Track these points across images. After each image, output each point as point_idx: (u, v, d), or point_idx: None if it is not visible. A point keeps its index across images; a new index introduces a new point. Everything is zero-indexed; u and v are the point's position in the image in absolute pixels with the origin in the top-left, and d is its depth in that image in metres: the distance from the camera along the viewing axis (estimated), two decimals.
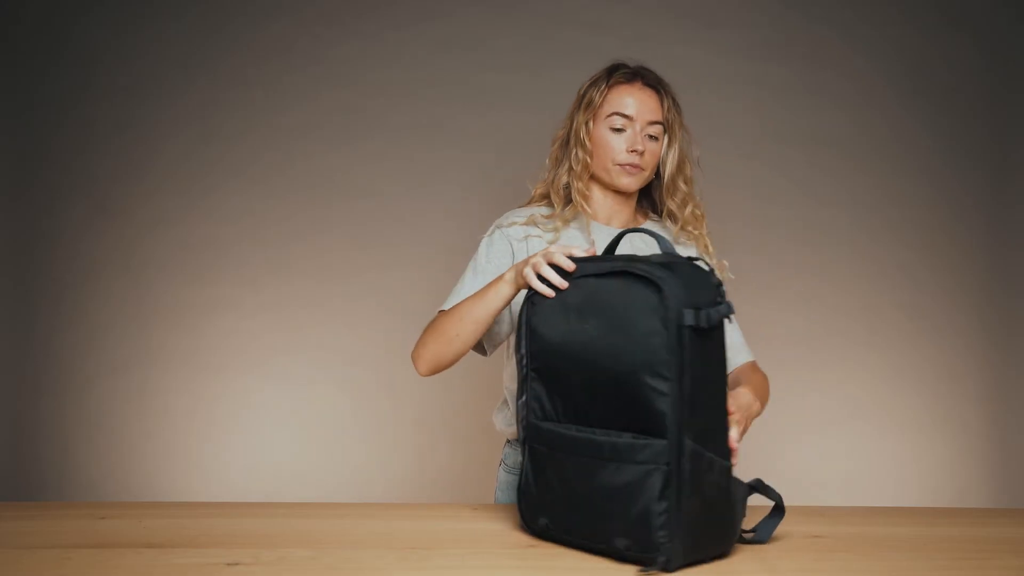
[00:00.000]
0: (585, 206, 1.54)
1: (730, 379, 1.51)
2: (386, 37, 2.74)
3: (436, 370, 1.48)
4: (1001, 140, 2.77)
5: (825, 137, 2.76)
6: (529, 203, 1.63)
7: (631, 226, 1.57)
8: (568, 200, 1.58)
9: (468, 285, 1.52)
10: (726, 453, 1.13)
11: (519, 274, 1.31)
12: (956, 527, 1.37)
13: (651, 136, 1.51)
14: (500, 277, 1.38)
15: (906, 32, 2.76)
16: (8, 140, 2.73)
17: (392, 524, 1.34)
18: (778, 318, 2.69)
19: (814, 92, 2.76)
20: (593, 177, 1.56)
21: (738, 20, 2.76)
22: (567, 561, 1.14)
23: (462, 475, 2.65)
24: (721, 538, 1.14)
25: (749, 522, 1.22)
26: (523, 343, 1.23)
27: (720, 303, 1.11)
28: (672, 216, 1.60)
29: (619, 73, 1.53)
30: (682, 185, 1.56)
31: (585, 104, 1.53)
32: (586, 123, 1.52)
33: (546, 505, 1.21)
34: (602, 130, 1.51)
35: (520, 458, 1.57)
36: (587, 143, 1.52)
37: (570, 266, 1.20)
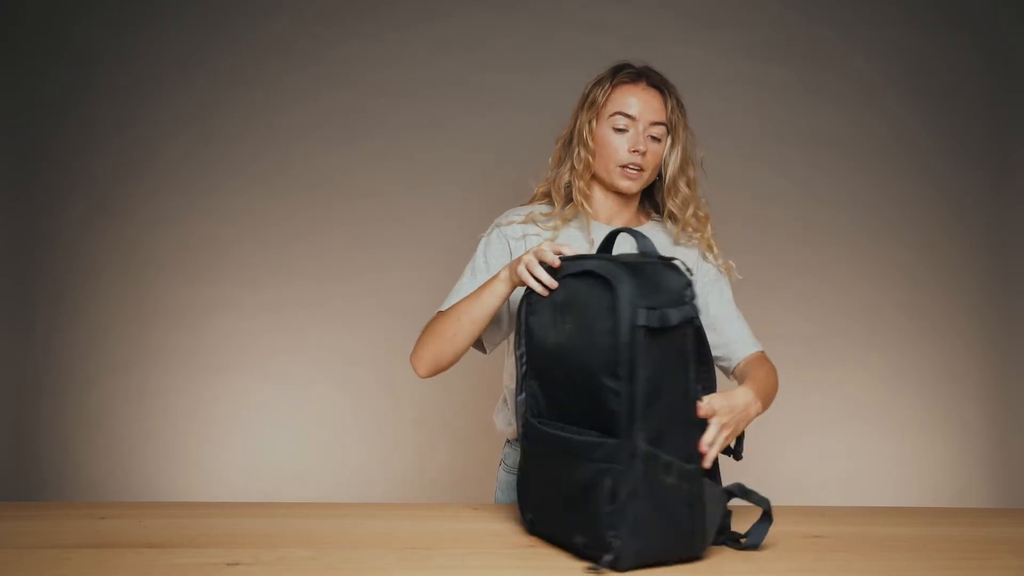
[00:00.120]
0: (586, 205, 1.54)
1: (737, 371, 1.51)
2: (386, 37, 2.74)
3: (436, 371, 1.49)
4: (1001, 140, 2.77)
5: (825, 137, 2.76)
6: (531, 201, 1.63)
7: (632, 227, 1.57)
8: (569, 199, 1.58)
9: (466, 285, 1.52)
10: (689, 455, 1.11)
11: (513, 272, 1.33)
12: (956, 527, 1.37)
13: (654, 137, 1.51)
14: (496, 276, 1.40)
15: (906, 32, 2.76)
16: (8, 140, 2.73)
17: (392, 524, 1.34)
18: (778, 318, 2.69)
19: (814, 92, 2.76)
20: (595, 177, 1.56)
21: (738, 20, 2.76)
22: (567, 561, 1.14)
23: (462, 475, 2.65)
24: (684, 542, 1.11)
25: (742, 526, 1.22)
26: (521, 341, 1.26)
27: (684, 304, 1.11)
28: (673, 217, 1.59)
29: (623, 73, 1.52)
30: (683, 187, 1.55)
31: (589, 103, 1.53)
32: (589, 122, 1.52)
33: (532, 501, 1.24)
34: (605, 129, 1.51)
35: (519, 457, 1.58)
36: (589, 142, 1.52)
37: (555, 261, 1.22)
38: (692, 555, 1.13)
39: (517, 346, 1.27)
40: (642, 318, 1.07)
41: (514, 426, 1.57)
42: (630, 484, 1.07)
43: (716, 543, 1.20)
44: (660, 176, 1.58)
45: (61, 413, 2.72)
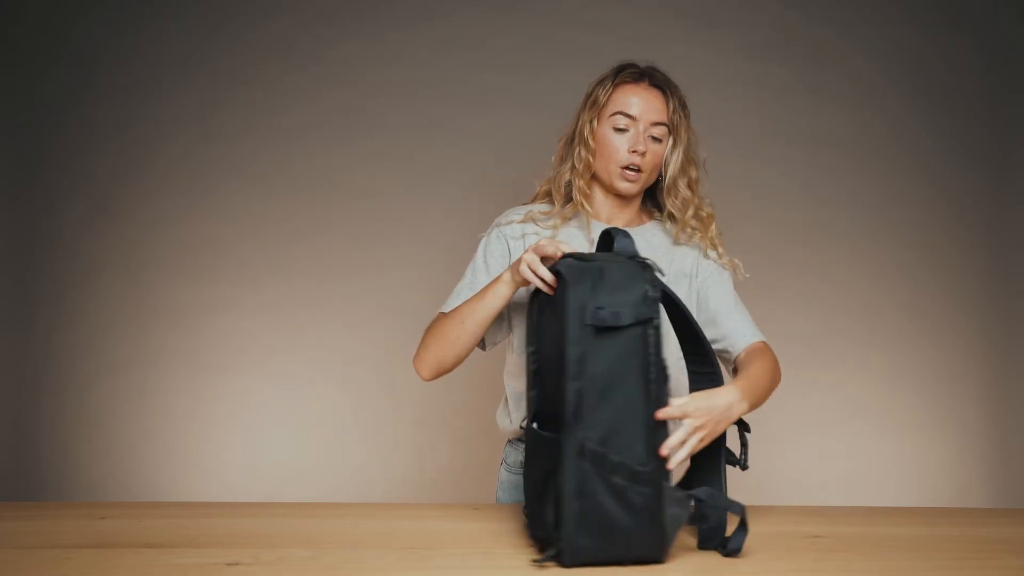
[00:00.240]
0: (585, 205, 1.54)
1: (737, 364, 1.50)
2: (386, 37, 2.74)
3: (440, 374, 1.49)
4: (1001, 140, 2.77)
5: (825, 137, 2.76)
6: (534, 200, 1.63)
7: (633, 226, 1.57)
8: (569, 198, 1.57)
9: (467, 286, 1.53)
10: (643, 457, 1.10)
11: (515, 271, 1.34)
12: (956, 527, 1.37)
13: (654, 137, 1.50)
14: (498, 277, 1.40)
15: (906, 32, 2.76)
16: (8, 140, 2.73)
17: (392, 524, 1.34)
18: (778, 318, 2.68)
19: (814, 92, 2.76)
20: (595, 177, 1.55)
21: (738, 20, 2.76)
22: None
23: (462, 475, 2.65)
24: (637, 544, 1.10)
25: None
26: (533, 339, 1.28)
27: (641, 305, 1.11)
28: (673, 217, 1.58)
29: (626, 72, 1.52)
30: (683, 188, 1.53)
31: (591, 103, 1.52)
32: (590, 122, 1.51)
33: (527, 499, 1.28)
34: (605, 129, 1.50)
35: (521, 457, 1.58)
36: (590, 142, 1.51)
37: (557, 253, 1.24)
38: (650, 558, 1.11)
39: (528, 343, 1.28)
40: (590, 317, 1.09)
41: (514, 426, 1.57)
42: (573, 482, 1.08)
43: (706, 548, 1.19)
44: (661, 176, 1.57)
45: (61, 413, 2.72)
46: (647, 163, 1.50)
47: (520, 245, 1.54)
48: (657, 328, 1.12)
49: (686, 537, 1.23)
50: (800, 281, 2.75)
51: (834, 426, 2.73)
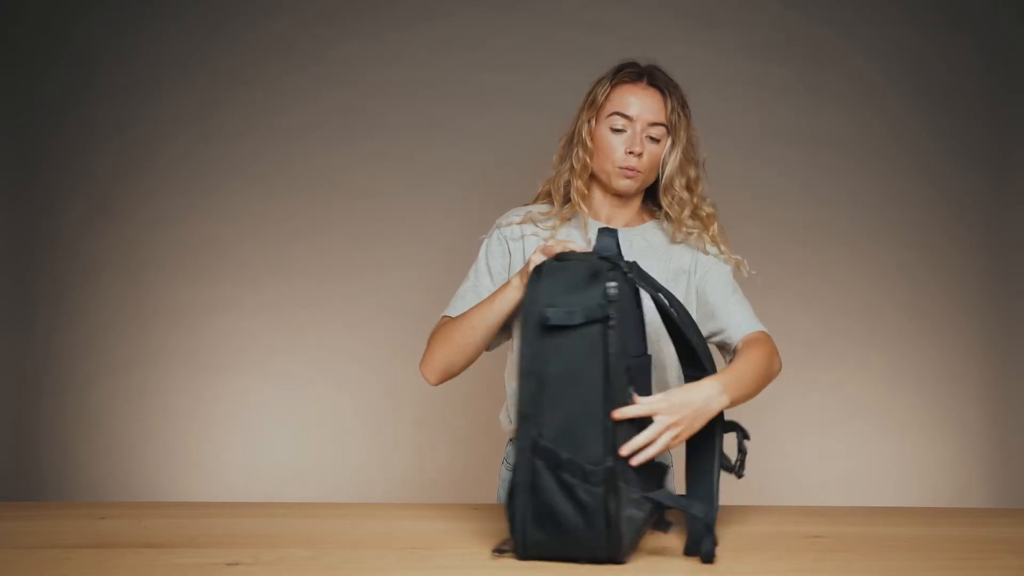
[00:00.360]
0: (583, 205, 1.53)
1: (735, 353, 1.48)
2: (386, 37, 2.74)
3: (447, 378, 1.49)
4: (1001, 140, 2.76)
5: (825, 137, 2.76)
6: (535, 200, 1.63)
7: (633, 226, 1.57)
8: (568, 198, 1.57)
9: (470, 289, 1.53)
10: (594, 457, 1.09)
11: (524, 275, 1.33)
12: (956, 527, 1.37)
13: (652, 138, 1.48)
14: (508, 283, 1.40)
15: (906, 32, 2.76)
16: (8, 140, 2.73)
17: (392, 524, 1.34)
18: (778, 318, 2.67)
19: (814, 92, 2.76)
20: (593, 177, 1.55)
21: (738, 20, 2.76)
22: (566, 562, 1.14)
23: (462, 475, 2.65)
24: (589, 543, 1.10)
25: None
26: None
27: (596, 305, 1.11)
28: (669, 217, 1.57)
29: (625, 72, 1.50)
30: (680, 189, 1.51)
31: (589, 102, 1.52)
32: (588, 122, 1.51)
33: None
34: (603, 130, 1.49)
35: None
36: (588, 142, 1.51)
37: (566, 249, 1.24)
38: (607, 557, 1.11)
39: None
40: (540, 316, 1.11)
41: (514, 424, 1.57)
42: (522, 477, 1.10)
43: (691, 553, 1.17)
44: (660, 175, 1.56)
45: (61, 413, 2.72)
46: (644, 164, 1.49)
47: (519, 247, 1.53)
48: (615, 328, 1.11)
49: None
50: (800, 281, 2.75)
51: (834, 426, 2.73)
